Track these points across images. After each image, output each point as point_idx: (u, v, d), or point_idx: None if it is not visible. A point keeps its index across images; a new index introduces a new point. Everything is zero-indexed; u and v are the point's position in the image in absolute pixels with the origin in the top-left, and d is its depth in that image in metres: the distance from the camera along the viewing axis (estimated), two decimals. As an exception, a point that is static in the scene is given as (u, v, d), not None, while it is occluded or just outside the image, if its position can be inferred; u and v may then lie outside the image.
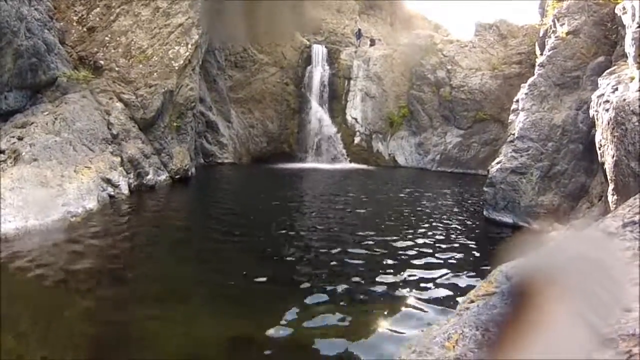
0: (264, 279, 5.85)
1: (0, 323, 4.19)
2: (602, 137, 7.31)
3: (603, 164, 7.35)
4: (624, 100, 6.68)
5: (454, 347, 2.42)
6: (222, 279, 5.90)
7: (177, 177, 13.45)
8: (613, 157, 6.84)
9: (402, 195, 13.57)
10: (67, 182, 8.81)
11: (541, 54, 11.02)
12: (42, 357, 3.87)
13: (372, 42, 26.17)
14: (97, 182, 9.73)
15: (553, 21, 10.46)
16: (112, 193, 10.13)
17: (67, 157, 9.53)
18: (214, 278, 5.98)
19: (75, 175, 9.23)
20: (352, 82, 23.76)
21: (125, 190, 10.60)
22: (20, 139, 9.20)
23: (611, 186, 6.97)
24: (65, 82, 11.30)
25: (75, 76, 11.57)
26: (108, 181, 10.18)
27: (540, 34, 12.41)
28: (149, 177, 12.04)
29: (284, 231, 8.50)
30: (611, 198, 6.96)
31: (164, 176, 12.85)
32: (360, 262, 6.79)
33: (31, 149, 8.99)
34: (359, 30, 26.43)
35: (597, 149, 7.60)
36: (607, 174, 7.11)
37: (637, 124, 6.42)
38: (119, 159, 11.10)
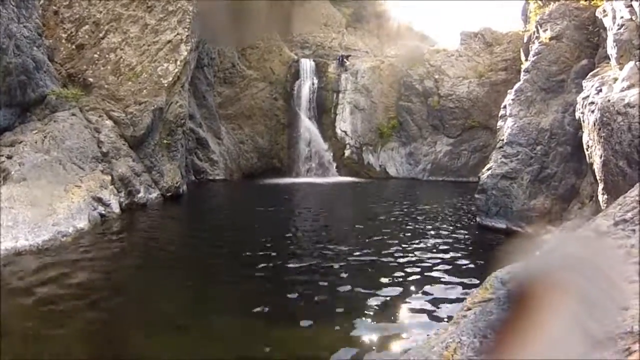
0: (258, 298, 5.74)
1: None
2: (589, 138, 7.41)
3: (592, 164, 7.44)
4: (609, 101, 6.79)
5: (452, 355, 2.41)
6: (215, 301, 5.80)
7: (168, 194, 13.35)
8: (601, 157, 6.92)
9: (394, 206, 13.57)
10: (57, 202, 8.71)
11: (526, 60, 11.21)
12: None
13: (345, 59, 25.04)
14: (88, 201, 9.63)
15: (536, 27, 10.66)
16: (103, 212, 10.03)
17: (57, 176, 9.44)
18: (207, 298, 5.88)
19: (65, 194, 9.13)
20: (340, 95, 23.86)
21: (116, 208, 10.50)
22: (9, 157, 9.09)
23: (601, 186, 7.04)
24: (55, 100, 11.24)
25: (64, 94, 11.51)
26: (99, 200, 10.08)
27: (525, 40, 12.63)
28: (140, 195, 11.94)
29: (280, 247, 8.38)
30: (602, 198, 7.02)
31: (155, 194, 12.76)
32: (355, 273, 6.76)
33: (20, 168, 8.90)
34: (341, 58, 25.20)
35: (585, 150, 7.69)
36: (596, 174, 7.19)
37: (622, 123, 6.52)
38: (109, 177, 11.01)
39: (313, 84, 23.96)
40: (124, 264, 7.15)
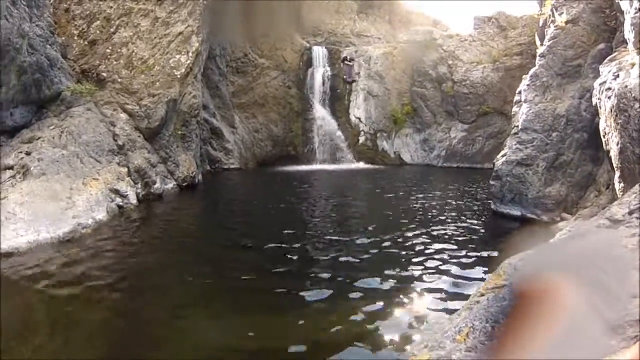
0: (276, 282, 5.92)
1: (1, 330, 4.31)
2: (606, 125, 7.28)
3: (608, 151, 7.31)
4: (626, 86, 6.65)
5: (464, 340, 2.45)
6: (235, 284, 5.96)
7: (184, 184, 13.54)
8: (617, 144, 6.80)
9: (409, 193, 13.55)
10: (76, 195, 8.92)
11: (541, 44, 10.97)
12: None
13: (348, 62, 24.21)
14: (106, 193, 9.83)
15: (552, 10, 10.41)
16: (121, 203, 10.23)
17: (74, 169, 9.65)
18: (226, 284, 6.05)
19: (83, 187, 9.34)
20: (354, 81, 23.75)
21: (133, 200, 10.69)
22: (28, 154, 9.32)
23: (617, 173, 6.93)
24: (70, 95, 11.42)
25: (79, 89, 11.69)
26: (116, 192, 10.28)
27: (540, 24, 12.34)
28: (156, 185, 12.13)
29: (295, 235, 8.50)
30: (618, 186, 6.92)
31: (171, 184, 12.95)
32: (370, 259, 6.86)
33: (39, 164, 9.11)
34: (345, 64, 23.96)
35: (602, 136, 7.56)
36: (613, 161, 7.08)
37: (639, 110, 6.39)
38: (125, 169, 11.21)
39: (326, 71, 23.87)
40: (143, 254, 7.34)
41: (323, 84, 23.78)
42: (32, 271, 6.16)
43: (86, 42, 13.14)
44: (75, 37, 13.09)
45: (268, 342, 4.28)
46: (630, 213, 3.60)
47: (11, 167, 8.95)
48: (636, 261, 2.40)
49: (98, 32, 13.26)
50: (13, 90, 9.71)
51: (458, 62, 22.14)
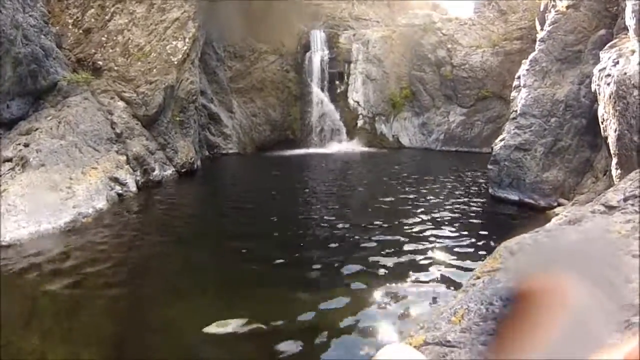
0: (277, 269, 6.02)
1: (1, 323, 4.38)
2: (605, 111, 7.28)
3: (606, 138, 7.34)
4: (625, 73, 6.65)
5: (459, 321, 2.51)
6: (236, 270, 6.06)
7: (183, 170, 13.55)
8: (615, 131, 6.83)
9: (408, 176, 13.61)
10: (76, 184, 8.95)
11: (542, 29, 10.88)
12: (65, 353, 4.03)
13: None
14: (105, 181, 9.86)
15: (552, -5, 10.32)
16: (121, 191, 10.26)
17: (73, 159, 9.66)
18: (227, 269, 6.14)
19: (83, 176, 9.36)
20: (352, 65, 23.53)
21: (133, 187, 10.72)
22: (26, 145, 9.31)
23: (615, 160, 6.97)
24: (66, 85, 11.35)
25: (75, 79, 11.62)
26: (115, 180, 10.30)
27: (541, 9, 12.21)
28: (155, 173, 12.13)
29: (294, 222, 8.56)
30: (615, 172, 6.97)
31: (170, 171, 12.97)
32: (368, 244, 6.95)
33: (38, 155, 9.11)
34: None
35: (600, 123, 7.57)
36: (611, 148, 7.11)
37: (638, 97, 6.40)
38: (124, 157, 11.20)
39: (324, 55, 23.70)
40: (143, 242, 7.41)
41: (321, 67, 23.61)
42: (33, 262, 6.23)
43: (81, 31, 12.97)
44: (70, 26, 12.92)
45: (265, 330, 4.35)
46: (625, 199, 3.65)
47: (10, 160, 8.95)
48: (629, 246, 2.46)
49: (93, 20, 13.08)
50: (9, 82, 9.65)
51: (457, 46, 21.92)
